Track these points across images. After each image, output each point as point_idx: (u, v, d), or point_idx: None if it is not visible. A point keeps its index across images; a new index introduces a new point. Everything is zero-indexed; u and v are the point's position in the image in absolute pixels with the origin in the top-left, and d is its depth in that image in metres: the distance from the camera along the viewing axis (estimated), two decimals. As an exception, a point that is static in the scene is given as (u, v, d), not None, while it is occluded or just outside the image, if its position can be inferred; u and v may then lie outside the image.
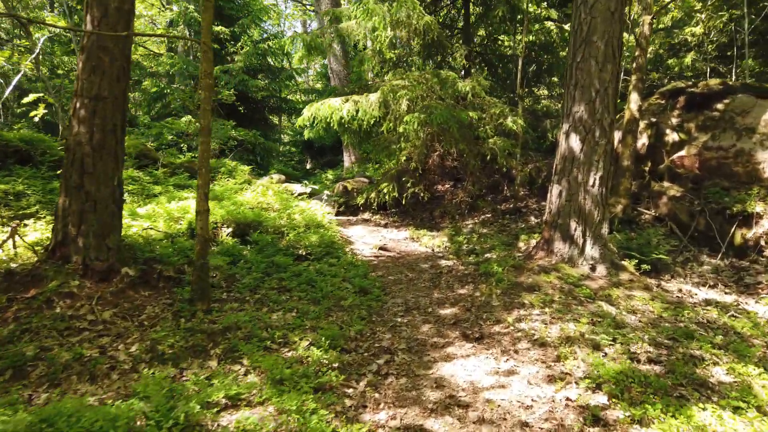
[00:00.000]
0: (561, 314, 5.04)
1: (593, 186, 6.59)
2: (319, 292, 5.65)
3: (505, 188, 11.14)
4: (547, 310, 5.19)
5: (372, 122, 9.33)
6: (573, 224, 6.71)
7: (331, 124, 10.01)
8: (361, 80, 13.54)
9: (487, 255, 8.32)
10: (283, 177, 12.08)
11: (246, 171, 11.20)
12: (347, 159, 16.83)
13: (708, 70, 14.26)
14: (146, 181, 8.75)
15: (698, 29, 13.46)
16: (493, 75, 12.59)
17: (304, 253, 7.10)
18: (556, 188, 7.10)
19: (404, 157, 9.52)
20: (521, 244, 8.75)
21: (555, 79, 12.86)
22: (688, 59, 14.12)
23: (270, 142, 18.26)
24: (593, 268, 6.54)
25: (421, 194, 9.91)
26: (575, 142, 6.76)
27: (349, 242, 8.92)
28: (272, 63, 19.65)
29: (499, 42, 13.69)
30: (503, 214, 10.33)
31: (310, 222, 8.53)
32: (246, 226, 7.38)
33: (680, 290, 6.47)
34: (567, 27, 11.52)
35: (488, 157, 9.34)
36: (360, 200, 11.08)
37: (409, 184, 9.91)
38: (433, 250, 8.93)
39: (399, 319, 5.33)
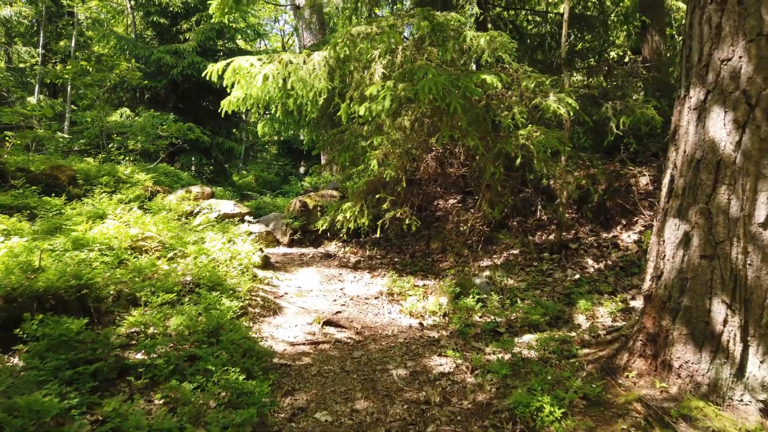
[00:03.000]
0: None
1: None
2: None
3: (540, 209, 7.26)
4: None
5: (320, 102, 5.53)
6: (718, 309, 2.96)
7: (269, 107, 6.26)
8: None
9: (520, 341, 4.51)
10: (207, 190, 8.31)
11: (146, 181, 7.46)
12: (323, 161, 13.08)
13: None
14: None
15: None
16: (520, 43, 8.74)
17: (138, 362, 3.33)
18: (672, 227, 3.40)
19: (375, 161, 5.70)
20: (581, 319, 4.88)
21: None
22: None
23: (231, 141, 14.52)
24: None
25: (407, 220, 6.09)
26: (720, 125, 3.02)
27: (274, 308, 5.09)
28: (240, 44, 15.97)
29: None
30: (539, 252, 6.46)
31: (210, 277, 4.79)
32: (30, 301, 3.61)
33: None
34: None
35: (517, 161, 5.48)
36: (320, 225, 7.29)
37: (386, 205, 6.08)
38: (421, 323, 5.09)
39: None
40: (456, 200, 8.92)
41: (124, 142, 10.14)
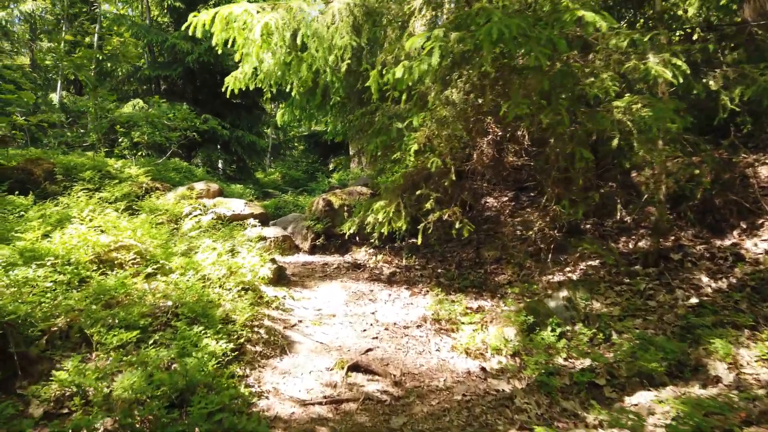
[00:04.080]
0: None
1: None
2: None
3: (620, 208, 5.73)
4: None
5: (343, 68, 4.19)
6: None
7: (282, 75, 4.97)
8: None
9: (633, 403, 3.06)
10: (214, 187, 7.06)
11: (139, 176, 6.27)
12: (352, 154, 11.78)
13: None
14: None
15: None
16: None
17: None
18: None
19: (415, 146, 4.30)
20: (719, 368, 3.39)
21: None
22: None
23: (253, 135, 13.34)
24: None
25: (456, 223, 4.67)
26: None
27: (282, 345, 3.75)
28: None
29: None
30: (628, 264, 4.96)
31: (195, 303, 3.53)
32: None
33: None
34: None
35: (613, 143, 3.99)
36: (347, 228, 5.96)
37: (429, 204, 4.68)
38: (483, 368, 3.68)
39: None
40: (509, 197, 7.48)
41: (129, 134, 9.02)
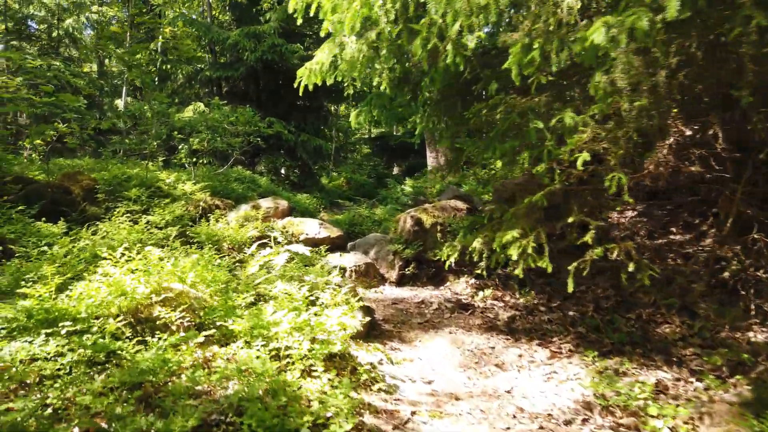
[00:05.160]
0: None
1: None
2: None
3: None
4: None
5: (472, 42, 2.84)
6: None
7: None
8: None
9: None
10: (283, 204, 5.85)
11: (195, 193, 5.19)
12: (431, 160, 10.40)
13: None
14: None
15: None
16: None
17: None
18: None
19: (585, 159, 2.88)
20: None
21: None
22: None
23: (319, 139, 12.23)
24: None
25: (629, 265, 3.21)
26: None
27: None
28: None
29: None
30: None
31: (263, 407, 2.30)
32: None
33: None
34: None
35: None
36: (445, 256, 4.66)
37: (589, 236, 3.25)
38: None
39: None
40: (636, 212, 5.92)
41: (188, 140, 8.08)
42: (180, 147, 9.39)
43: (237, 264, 4.18)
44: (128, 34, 16.67)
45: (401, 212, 6.90)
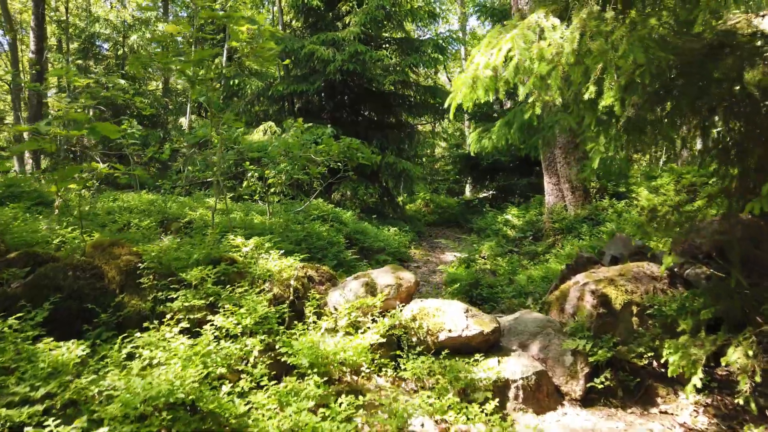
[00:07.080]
0: None
1: None
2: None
3: None
4: None
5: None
6: None
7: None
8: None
9: None
10: (407, 278, 3.92)
11: (284, 270, 3.45)
12: (550, 187, 8.33)
13: None
14: None
15: None
16: None
17: None
18: None
19: None
20: None
21: None
22: None
23: (405, 161, 10.42)
24: None
25: None
26: None
27: None
28: (407, 27, 12.01)
29: None
30: None
31: None
32: None
33: None
34: None
35: None
36: (674, 370, 2.67)
37: None
38: None
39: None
40: None
41: (260, 171, 6.50)
42: (249, 175, 7.85)
43: (356, 393, 2.42)
44: (193, 47, 15.56)
45: (558, 274, 4.96)
